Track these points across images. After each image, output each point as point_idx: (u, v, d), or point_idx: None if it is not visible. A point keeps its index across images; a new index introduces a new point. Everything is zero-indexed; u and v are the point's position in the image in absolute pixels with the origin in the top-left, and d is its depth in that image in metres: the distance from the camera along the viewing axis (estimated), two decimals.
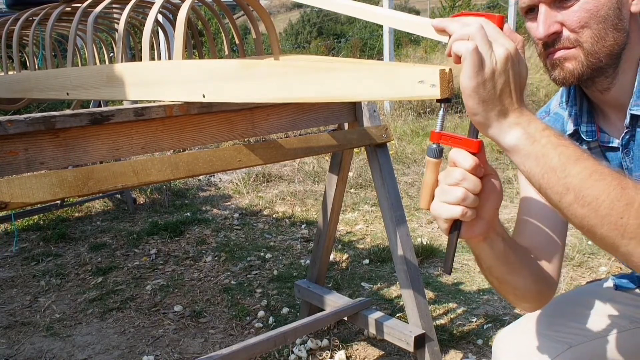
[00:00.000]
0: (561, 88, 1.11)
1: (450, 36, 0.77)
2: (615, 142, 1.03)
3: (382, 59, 7.16)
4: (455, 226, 0.82)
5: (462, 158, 0.79)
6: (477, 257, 0.94)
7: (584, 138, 1.05)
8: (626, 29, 0.94)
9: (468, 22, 0.75)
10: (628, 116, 0.97)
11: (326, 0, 1.06)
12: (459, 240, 0.84)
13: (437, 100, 0.79)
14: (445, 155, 0.80)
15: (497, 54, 0.73)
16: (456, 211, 0.79)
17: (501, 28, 0.75)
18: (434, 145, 0.82)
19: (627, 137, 1.00)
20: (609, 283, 1.25)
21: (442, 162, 0.82)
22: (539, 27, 0.94)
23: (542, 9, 0.93)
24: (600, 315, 1.17)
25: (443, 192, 0.80)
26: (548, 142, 0.76)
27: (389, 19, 0.94)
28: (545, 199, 0.81)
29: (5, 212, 1.09)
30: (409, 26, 0.88)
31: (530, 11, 0.96)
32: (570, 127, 1.07)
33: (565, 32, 0.93)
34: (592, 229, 0.77)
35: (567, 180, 0.75)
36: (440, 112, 0.82)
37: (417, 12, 28.80)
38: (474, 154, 0.79)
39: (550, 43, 0.95)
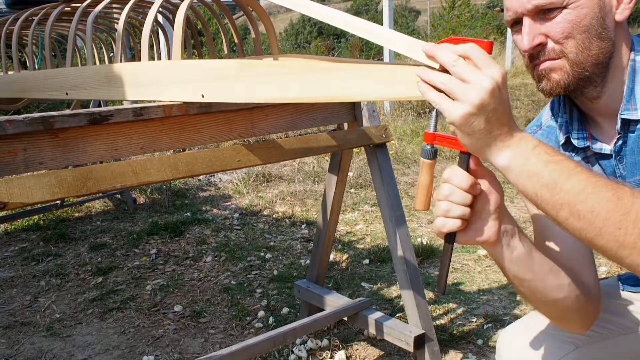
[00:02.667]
0: (549, 101, 1.12)
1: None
2: (608, 150, 1.03)
3: (382, 59, 7.16)
4: (450, 238, 0.84)
5: (455, 176, 0.81)
6: (501, 267, 0.91)
7: (577, 145, 1.06)
8: (611, 38, 0.94)
9: (445, 58, 0.75)
10: (619, 121, 0.97)
11: (321, 12, 1.05)
12: (453, 251, 0.86)
13: None
14: (440, 155, 0.81)
15: (482, 86, 0.72)
16: (439, 223, 0.82)
17: (490, 54, 0.75)
18: (428, 147, 0.82)
19: (620, 143, 1.00)
20: (615, 283, 1.24)
21: (436, 162, 0.83)
22: (524, 39, 0.94)
23: (526, 21, 0.94)
24: (607, 317, 1.16)
25: (435, 207, 0.83)
26: (539, 160, 0.77)
27: (379, 36, 0.93)
28: (544, 213, 0.82)
29: (4, 212, 1.09)
30: (400, 47, 0.87)
31: (516, 24, 0.97)
32: (562, 137, 1.07)
33: (550, 44, 0.94)
34: (593, 241, 0.77)
35: (561, 196, 0.76)
36: (434, 113, 0.82)
37: (418, 12, 28.78)
38: (466, 154, 0.80)
39: (536, 55, 0.96)
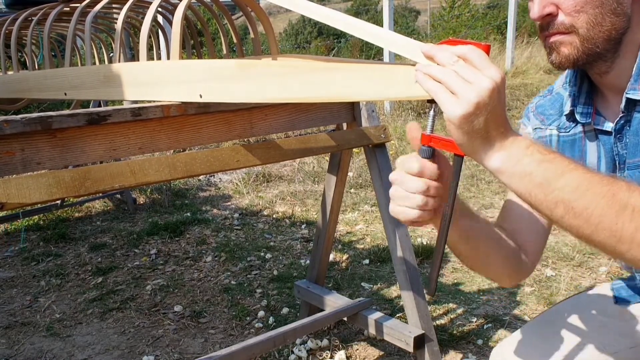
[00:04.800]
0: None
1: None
2: (609, 127, 1.01)
3: (382, 59, 7.15)
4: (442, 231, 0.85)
5: (407, 162, 0.82)
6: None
7: (579, 120, 1.05)
8: (627, 14, 0.91)
9: (444, 59, 0.74)
10: (624, 100, 0.95)
11: (320, 13, 1.05)
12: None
13: (428, 101, 0.79)
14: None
15: (482, 86, 0.72)
16: (395, 210, 0.83)
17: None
18: (425, 147, 0.82)
19: (622, 122, 0.98)
20: (609, 293, 1.22)
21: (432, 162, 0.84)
22: (534, 7, 0.92)
23: None
24: (600, 332, 1.15)
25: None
26: (531, 161, 0.76)
27: (378, 37, 0.92)
28: (539, 213, 0.81)
29: (5, 212, 1.09)
30: (398, 48, 0.86)
31: None
32: (567, 108, 1.07)
33: (561, 16, 0.91)
34: (589, 238, 0.77)
35: (555, 195, 0.76)
36: (431, 113, 0.82)
37: (418, 12, 28.76)
38: (461, 156, 0.80)
39: (545, 25, 0.93)
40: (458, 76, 0.73)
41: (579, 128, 1.07)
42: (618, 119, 0.98)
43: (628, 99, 0.95)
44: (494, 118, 0.74)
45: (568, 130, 1.09)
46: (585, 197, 0.74)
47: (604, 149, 1.05)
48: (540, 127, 1.15)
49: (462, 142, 0.77)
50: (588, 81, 1.04)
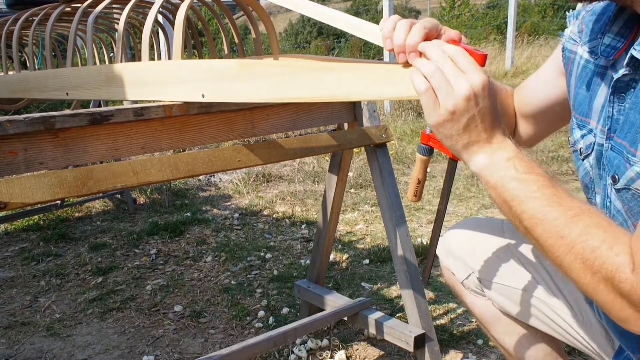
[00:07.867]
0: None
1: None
2: (620, 73, 0.84)
3: (382, 59, 7.16)
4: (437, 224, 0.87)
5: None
6: None
7: (599, 53, 0.90)
8: None
9: (434, 56, 0.75)
10: (628, 55, 0.81)
11: (320, 13, 1.06)
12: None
13: None
14: (441, 154, 0.83)
15: (459, 92, 0.72)
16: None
17: (482, 66, 0.74)
18: (423, 145, 0.85)
19: (627, 79, 0.83)
20: None
21: (430, 159, 0.86)
22: None
23: None
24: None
25: None
26: (505, 175, 0.76)
27: (377, 36, 0.93)
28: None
29: (4, 212, 1.09)
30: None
31: None
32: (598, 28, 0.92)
33: None
34: (543, 254, 0.78)
35: (516, 215, 0.77)
36: None
37: (418, 12, 28.77)
38: (455, 160, 0.82)
39: None
40: (445, 80, 0.73)
41: (603, 61, 0.90)
42: (621, 75, 0.83)
43: (632, 57, 0.80)
44: (474, 124, 0.74)
45: (599, 59, 0.91)
46: (536, 230, 0.75)
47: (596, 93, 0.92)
48: (575, 39, 1.00)
49: (445, 144, 0.78)
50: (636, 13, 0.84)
